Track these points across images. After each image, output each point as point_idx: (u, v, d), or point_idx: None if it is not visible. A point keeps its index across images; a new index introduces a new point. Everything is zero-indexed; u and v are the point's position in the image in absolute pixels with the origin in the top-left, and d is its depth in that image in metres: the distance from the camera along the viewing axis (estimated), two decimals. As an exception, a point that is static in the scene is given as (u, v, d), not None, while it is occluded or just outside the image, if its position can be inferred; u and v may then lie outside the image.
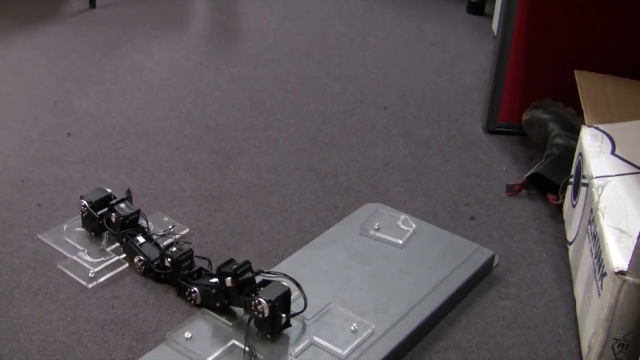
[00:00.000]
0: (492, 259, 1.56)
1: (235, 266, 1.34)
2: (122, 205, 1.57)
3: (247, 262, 1.36)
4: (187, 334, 1.31)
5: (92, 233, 1.61)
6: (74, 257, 1.56)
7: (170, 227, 1.65)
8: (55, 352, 1.32)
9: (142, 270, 1.51)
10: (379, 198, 1.79)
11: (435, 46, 2.74)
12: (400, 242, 1.57)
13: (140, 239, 1.54)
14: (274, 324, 1.29)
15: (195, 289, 1.41)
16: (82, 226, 1.63)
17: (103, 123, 2.12)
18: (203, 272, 1.48)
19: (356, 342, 1.30)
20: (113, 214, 1.55)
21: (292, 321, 1.33)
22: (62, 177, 1.84)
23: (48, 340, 1.35)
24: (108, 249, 1.58)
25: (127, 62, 2.52)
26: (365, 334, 1.31)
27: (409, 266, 1.51)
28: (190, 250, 1.48)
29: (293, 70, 2.51)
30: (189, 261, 1.47)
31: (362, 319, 1.35)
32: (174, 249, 1.47)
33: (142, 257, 1.50)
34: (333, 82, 2.43)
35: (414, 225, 1.62)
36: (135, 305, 1.44)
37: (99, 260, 1.55)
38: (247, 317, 1.32)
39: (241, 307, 1.34)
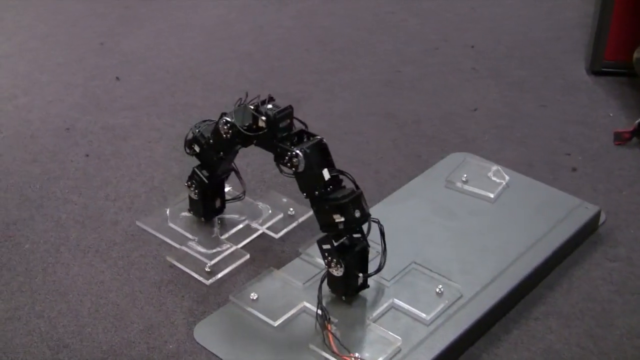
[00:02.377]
0: (597, 216, 1.55)
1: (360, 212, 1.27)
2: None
3: (368, 215, 1.29)
4: (253, 295, 1.34)
5: (202, 219, 1.56)
6: (184, 248, 1.51)
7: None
8: (108, 314, 1.36)
9: (228, 136, 1.39)
10: (467, 147, 1.79)
11: (530, -25, 2.71)
12: (492, 195, 1.58)
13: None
14: (349, 284, 1.30)
15: (298, 151, 1.29)
16: (189, 211, 1.58)
17: (155, 65, 2.15)
18: (305, 136, 1.36)
19: (442, 306, 1.31)
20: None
21: (370, 282, 1.34)
22: (110, 125, 1.88)
23: (100, 302, 1.39)
24: (222, 237, 1.53)
25: (179, -2, 2.55)
26: (452, 297, 1.32)
27: (501, 223, 1.51)
28: (290, 107, 1.34)
29: (366, 3, 2.51)
30: (288, 120, 1.34)
31: (448, 280, 1.36)
32: (270, 106, 1.33)
33: (228, 119, 1.38)
34: (412, 18, 2.42)
35: (507, 177, 1.62)
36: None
37: (214, 251, 1.50)
38: (319, 276, 1.34)
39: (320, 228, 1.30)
